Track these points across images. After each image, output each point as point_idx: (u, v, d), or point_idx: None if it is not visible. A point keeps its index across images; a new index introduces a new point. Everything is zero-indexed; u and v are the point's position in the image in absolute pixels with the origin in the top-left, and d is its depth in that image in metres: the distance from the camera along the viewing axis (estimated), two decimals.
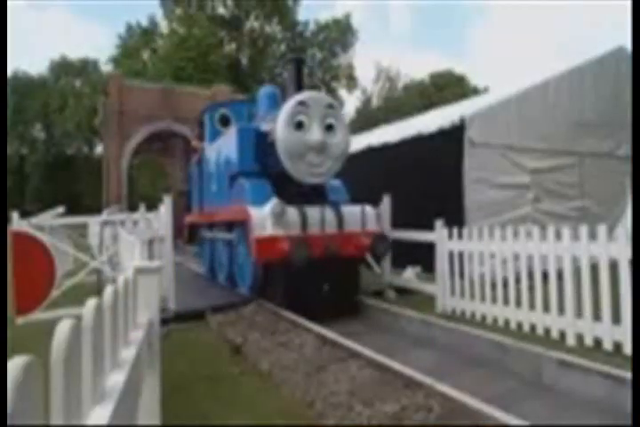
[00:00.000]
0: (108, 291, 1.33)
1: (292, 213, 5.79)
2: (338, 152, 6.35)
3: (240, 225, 6.38)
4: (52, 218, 6.77)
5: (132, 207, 12.47)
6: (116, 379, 1.28)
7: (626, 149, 9.37)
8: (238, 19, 38.45)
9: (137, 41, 40.98)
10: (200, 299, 6.72)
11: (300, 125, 6.08)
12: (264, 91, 7.99)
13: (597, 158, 9.23)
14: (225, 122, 8.85)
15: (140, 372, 1.62)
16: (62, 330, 0.89)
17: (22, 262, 5.74)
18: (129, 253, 5.11)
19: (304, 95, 6.18)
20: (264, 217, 5.62)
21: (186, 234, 10.30)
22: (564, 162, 8.72)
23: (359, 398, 3.11)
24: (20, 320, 5.64)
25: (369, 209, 6.44)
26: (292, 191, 6.29)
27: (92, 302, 1.11)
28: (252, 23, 39.32)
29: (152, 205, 7.48)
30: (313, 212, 5.95)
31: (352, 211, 6.28)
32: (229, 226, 7.18)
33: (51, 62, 53.03)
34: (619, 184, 9.23)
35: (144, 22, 41.59)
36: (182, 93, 21.43)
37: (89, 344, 1.07)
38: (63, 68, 52.55)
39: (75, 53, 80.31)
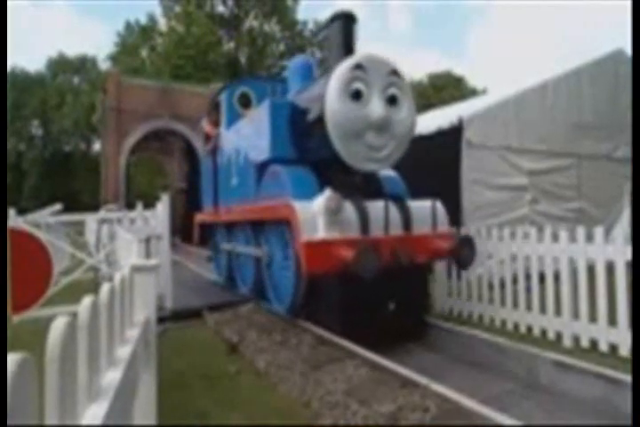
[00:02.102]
0: (105, 289, 1.33)
1: (349, 209, 4.56)
2: (403, 131, 5.02)
3: (276, 226, 5.27)
4: (49, 215, 6.75)
5: (130, 205, 12.44)
6: (111, 377, 1.28)
7: (624, 151, 9.39)
8: (237, 17, 38.39)
9: (136, 39, 40.88)
10: (197, 297, 6.72)
11: (356, 96, 4.76)
12: (296, 63, 6.58)
13: (595, 160, 9.24)
14: (246, 102, 7.49)
15: (136, 370, 1.62)
16: (57, 327, 0.89)
17: (19, 260, 5.72)
18: (126, 251, 5.09)
19: (361, 57, 4.87)
20: (314, 215, 4.33)
21: (196, 235, 8.97)
22: (561, 164, 8.73)
23: (356, 398, 3.11)
24: (16, 318, 5.62)
25: (439, 205, 5.19)
26: (341, 182, 4.98)
27: (87, 300, 1.10)
28: (251, 22, 39.25)
29: (149, 203, 7.46)
30: (374, 208, 4.65)
31: (421, 207, 5.03)
32: (255, 227, 6.05)
33: (49, 59, 52.95)
34: (616, 186, 9.24)
35: (143, 20, 41.54)
36: (180, 91, 21.37)
37: (84, 342, 1.06)
38: (61, 65, 52.46)
39: (73, 50, 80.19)
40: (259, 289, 6.15)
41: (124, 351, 1.47)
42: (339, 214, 4.36)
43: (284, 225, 4.93)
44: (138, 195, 28.99)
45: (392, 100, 4.95)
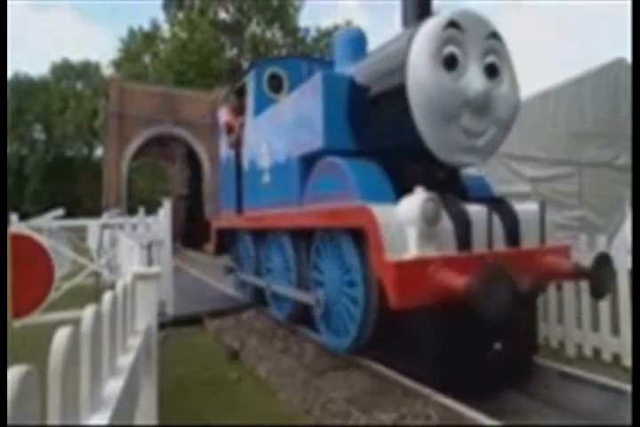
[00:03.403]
0: (107, 297, 1.32)
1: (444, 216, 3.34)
2: (505, 113, 3.78)
3: (335, 237, 3.95)
4: (51, 220, 6.76)
5: (132, 210, 12.46)
6: (113, 386, 1.27)
7: (625, 159, 9.39)
8: (240, 24, 38.58)
9: (139, 45, 41.09)
10: (198, 303, 6.70)
11: (450, 63, 3.52)
12: (344, 35, 5.29)
13: (596, 168, 9.24)
14: (276, 85, 6.17)
15: (137, 379, 1.61)
16: (60, 338, 0.88)
17: (20, 265, 5.72)
18: (128, 257, 5.09)
19: (455, 12, 3.62)
20: (401, 223, 3.12)
21: (213, 243, 7.51)
22: (563, 171, 8.73)
23: (357, 406, 3.09)
24: (18, 323, 5.61)
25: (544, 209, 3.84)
26: (419, 180, 3.51)
27: (90, 309, 1.10)
28: (254, 28, 39.45)
29: (151, 209, 7.46)
30: (476, 213, 3.43)
31: (529, 213, 3.73)
32: (297, 237, 4.81)
33: (52, 64, 53.22)
34: (618, 194, 9.23)
35: (146, 26, 41.78)
36: (183, 97, 21.49)
37: (87, 352, 1.06)
38: (64, 70, 52.73)
39: (77, 56, 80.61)
40: (301, 315, 4.87)
41: (125, 360, 1.46)
42: (437, 224, 3.13)
43: (346, 236, 3.72)
44: (139, 200, 29.05)
45: (491, 71, 3.73)
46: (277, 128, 5.17)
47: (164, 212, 5.97)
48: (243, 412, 3.33)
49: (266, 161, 5.47)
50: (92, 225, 9.49)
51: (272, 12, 37.89)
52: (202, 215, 21.44)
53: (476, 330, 3.23)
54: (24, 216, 6.57)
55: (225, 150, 7.22)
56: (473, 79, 3.55)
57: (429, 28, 3.54)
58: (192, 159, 22.94)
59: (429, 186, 3.38)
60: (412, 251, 3.05)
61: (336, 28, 43.40)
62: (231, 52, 38.93)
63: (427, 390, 3.26)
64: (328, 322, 4.17)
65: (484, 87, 3.53)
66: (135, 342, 1.67)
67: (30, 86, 50.41)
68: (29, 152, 51.15)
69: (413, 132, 3.59)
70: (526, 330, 3.84)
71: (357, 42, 5.05)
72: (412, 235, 3.08)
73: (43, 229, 6.89)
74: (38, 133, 52.81)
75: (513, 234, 3.64)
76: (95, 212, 18.35)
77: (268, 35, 39.30)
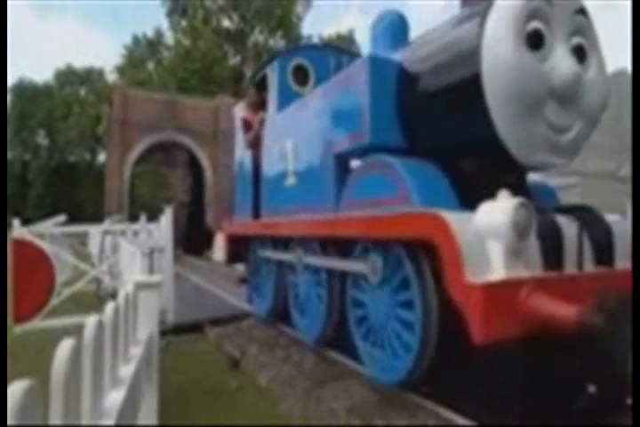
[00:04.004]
0: (109, 307, 1.32)
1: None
2: (594, 104, 3.18)
3: (391, 248, 3.23)
4: (53, 226, 6.77)
5: (134, 217, 12.47)
6: (114, 397, 1.27)
7: (627, 171, 9.40)
8: (243, 32, 38.81)
9: (142, 52, 41.36)
10: (199, 311, 6.69)
11: (534, 42, 2.91)
12: (383, 20, 4.45)
13: (599, 179, 9.25)
14: (302, 78, 5.58)
15: (139, 389, 1.60)
16: (63, 351, 0.88)
17: (22, 270, 5.71)
18: (129, 264, 5.09)
19: None
20: (481, 236, 2.52)
21: (225, 251, 6.83)
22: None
23: (358, 416, 3.08)
24: (19, 329, 5.60)
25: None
26: (486, 185, 3.08)
27: (92, 320, 1.09)
28: (257, 37, 39.67)
29: (153, 216, 7.46)
30: (567, 227, 2.91)
31: (621, 225, 3.16)
32: (328, 248, 4.19)
33: (56, 70, 53.55)
34: (620, 205, 9.23)
35: (150, 34, 42.07)
36: (185, 104, 21.58)
37: (89, 364, 1.05)
38: (68, 76, 53.04)
39: (81, 62, 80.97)
40: (335, 337, 4.28)
41: (127, 370, 1.46)
42: (528, 237, 2.55)
43: (401, 248, 3.09)
44: (141, 206, 29.09)
45: (579, 54, 3.08)
46: (307, 123, 4.50)
47: (166, 219, 5.98)
48: (243, 421, 3.31)
49: (291, 161, 4.83)
50: (94, 231, 9.50)
51: (275, 20, 38.12)
52: (203, 222, 21.47)
53: (568, 369, 2.59)
54: (26, 222, 6.58)
55: (241, 150, 6.46)
56: (561, 62, 2.92)
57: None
58: (194, 166, 23.00)
59: (494, 192, 2.76)
60: (498, 270, 2.45)
61: (339, 37, 43.66)
62: (234, 60, 39.15)
63: (428, 402, 3.23)
64: (373, 350, 3.50)
65: (573, 72, 2.90)
66: (137, 351, 1.66)
67: (34, 92, 50.69)
68: (32, 157, 51.34)
69: (486, 126, 3.00)
70: (619, 368, 2.71)
71: (398, 27, 4.40)
72: (496, 249, 2.48)
73: (44, 234, 6.89)
74: (42, 139, 53.06)
75: (605, 251, 3.02)
76: (97, 218, 18.38)
77: (272, 43, 39.51)
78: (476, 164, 3.41)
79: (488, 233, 2.49)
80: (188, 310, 6.53)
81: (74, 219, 9.53)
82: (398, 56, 3.81)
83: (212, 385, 4.02)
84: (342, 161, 4.01)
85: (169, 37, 40.07)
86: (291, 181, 4.82)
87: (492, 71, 2.91)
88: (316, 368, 4.11)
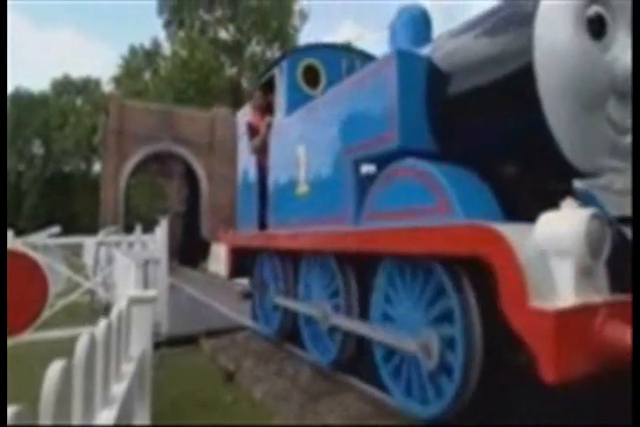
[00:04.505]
0: (101, 325, 1.30)
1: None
2: None
3: (426, 265, 2.88)
4: (47, 237, 6.73)
5: (129, 228, 12.43)
6: (106, 417, 1.24)
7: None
8: (240, 43, 39.05)
9: (139, 62, 41.53)
10: (194, 323, 6.64)
11: (596, 29, 2.58)
12: (404, 15, 4.10)
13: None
14: (312, 79, 5.22)
15: (130, 406, 1.58)
16: (53, 372, 0.86)
17: (14, 282, 5.66)
18: (124, 275, 5.05)
19: None
20: (545, 252, 2.15)
21: (228, 264, 6.29)
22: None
23: None
24: (10, 341, 5.53)
25: None
26: (523, 194, 2.91)
27: (84, 339, 1.08)
28: (254, 48, 39.91)
29: (148, 226, 7.43)
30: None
31: None
32: (346, 264, 3.87)
33: (53, 80, 53.62)
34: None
35: (147, 44, 42.28)
36: (182, 115, 21.65)
37: (80, 384, 1.03)
38: (65, 85, 53.12)
39: (77, 72, 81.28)
40: (354, 360, 3.91)
41: (119, 389, 1.44)
42: (602, 255, 2.15)
43: (439, 265, 2.73)
44: (137, 217, 29.02)
45: None
46: (321, 126, 4.12)
47: (161, 230, 5.96)
48: None
49: (303, 168, 4.41)
50: (89, 243, 9.46)
51: (272, 32, 38.41)
52: (199, 233, 21.42)
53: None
54: (20, 233, 6.55)
55: (245, 157, 6.02)
56: (623, 53, 2.56)
57: None
58: (190, 177, 23.01)
59: (540, 201, 2.50)
60: (567, 293, 2.06)
61: None
62: (231, 71, 39.34)
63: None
64: (399, 380, 3.09)
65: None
66: (129, 368, 1.64)
67: (30, 101, 50.71)
68: (27, 167, 51.19)
69: (536, 124, 2.58)
70: None
71: (419, 22, 4.08)
72: (564, 268, 2.08)
73: (38, 246, 6.85)
74: (37, 148, 52.95)
75: None
76: (93, 228, 18.30)
77: (268, 54, 39.76)
78: (520, 169, 3.03)
79: (553, 249, 2.10)
80: (182, 321, 6.49)
81: (69, 229, 9.50)
82: (425, 52, 3.46)
83: (205, 398, 3.98)
84: (357, 165, 3.68)
85: (166, 48, 40.28)
86: (302, 189, 4.41)
87: (547, 60, 2.50)
88: (311, 382, 4.08)
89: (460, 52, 3.16)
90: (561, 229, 2.06)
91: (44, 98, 52.28)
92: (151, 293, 2.01)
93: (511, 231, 2.17)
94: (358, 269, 3.79)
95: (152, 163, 22.94)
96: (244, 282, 6.59)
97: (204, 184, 21.73)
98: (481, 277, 2.37)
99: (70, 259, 10.32)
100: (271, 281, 5.35)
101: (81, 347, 1.09)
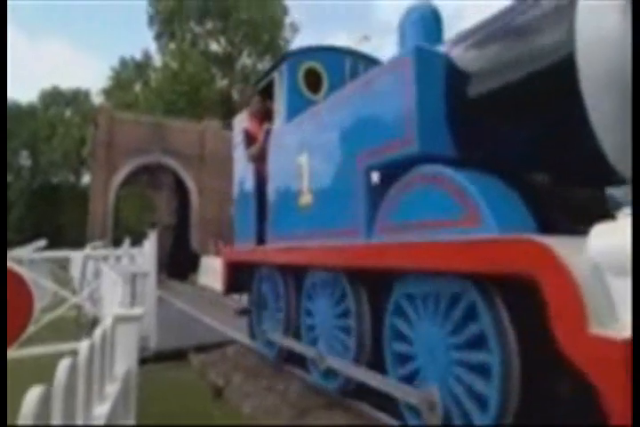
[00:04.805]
0: (84, 346, 1.27)
1: None
2: None
3: (455, 284, 2.57)
4: (33, 251, 6.64)
5: (117, 241, 12.31)
6: None
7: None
8: (231, 56, 39.27)
9: (130, 73, 41.57)
10: (183, 337, 6.55)
11: None
12: (413, 14, 3.80)
13: None
14: (313, 83, 4.93)
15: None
16: (31, 397, 0.83)
17: None
18: (111, 290, 4.98)
19: None
20: (604, 269, 1.81)
21: (224, 280, 5.96)
22: None
23: None
24: None
25: None
26: (551, 204, 2.67)
27: (65, 363, 1.04)
28: (245, 60, 40.15)
29: (137, 239, 7.36)
30: None
31: None
32: (358, 282, 3.55)
33: (41, 91, 53.44)
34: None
35: (138, 56, 42.39)
36: (172, 127, 21.63)
37: (59, 407, 1.00)
38: (54, 97, 52.95)
39: (67, 83, 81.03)
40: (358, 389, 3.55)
41: (102, 410, 1.39)
42: None
43: (471, 284, 2.43)
44: (126, 229, 28.79)
45: None
46: (328, 131, 3.82)
47: (150, 243, 5.90)
48: None
49: (306, 176, 4.11)
50: (75, 257, 9.35)
51: (263, 45, 38.68)
52: (189, 245, 21.28)
53: None
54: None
55: (242, 167, 5.66)
56: None
57: None
58: (180, 189, 22.93)
59: (569, 211, 2.40)
60: (629, 318, 1.71)
61: None
62: (222, 83, 39.49)
63: None
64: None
65: None
66: (113, 388, 1.60)
67: (18, 112, 50.47)
68: (14, 179, 50.78)
69: (578, 123, 2.27)
70: None
71: (429, 21, 3.78)
72: (624, 289, 1.75)
73: (24, 260, 6.75)
74: (24, 160, 52.59)
75: None
76: (80, 240, 18.13)
77: (259, 66, 40.00)
78: (553, 175, 2.73)
79: (609, 265, 1.79)
80: (171, 335, 6.40)
81: (56, 241, 9.38)
82: (442, 49, 3.20)
83: (194, 414, 3.92)
84: (374, 174, 3.36)
85: (157, 60, 40.41)
86: (305, 200, 4.09)
87: (590, 49, 2.18)
88: (301, 397, 4.03)
89: (484, 47, 2.88)
90: (619, 242, 1.73)
91: (32, 109, 52.06)
92: (137, 311, 1.97)
93: (560, 245, 1.88)
94: (372, 288, 3.47)
95: (142, 175, 22.86)
96: (237, 296, 6.45)
97: (193, 196, 21.66)
98: (512, 294, 2.20)
99: (57, 272, 10.18)
100: (271, 298, 5.04)
101: (61, 370, 1.06)
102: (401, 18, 3.87)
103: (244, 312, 5.80)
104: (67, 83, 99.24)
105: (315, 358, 3.93)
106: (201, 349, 5.77)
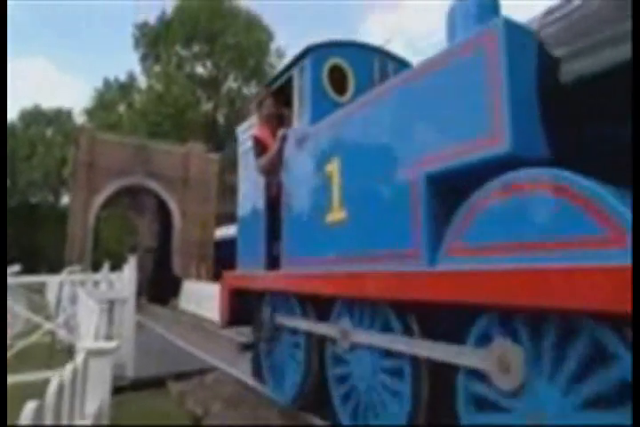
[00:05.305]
0: (52, 388, 1.20)
1: None
2: None
3: (589, 326, 1.78)
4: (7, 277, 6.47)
5: (97, 262, 12.09)
6: None
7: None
8: (216, 79, 39.58)
9: (114, 94, 41.57)
10: (162, 364, 6.39)
11: None
12: (466, 4, 2.96)
13: None
14: (338, 81, 4.21)
15: None
16: None
17: None
18: (87, 317, 4.84)
19: None
20: None
21: (224, 310, 5.10)
22: None
23: None
24: None
25: None
26: None
27: (31, 406, 0.98)
28: (231, 84, 40.47)
29: (117, 261, 7.23)
30: None
31: None
32: (409, 317, 2.79)
33: (22, 110, 53.02)
34: None
35: (122, 77, 42.49)
36: (155, 149, 21.54)
37: None
38: (35, 116, 52.56)
39: (49, 103, 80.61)
40: None
41: None
42: None
43: (607, 329, 1.73)
44: (106, 251, 28.39)
45: None
46: (370, 133, 3.14)
47: (129, 268, 5.79)
48: None
49: (336, 188, 3.39)
50: (52, 282, 9.15)
51: (249, 69, 39.09)
52: (170, 269, 20.97)
53: None
54: None
55: (249, 180, 4.95)
56: None
57: None
58: (162, 212, 22.72)
59: None
60: None
61: None
62: (207, 106, 39.69)
63: None
64: None
65: None
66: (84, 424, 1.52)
67: None
68: None
69: None
70: None
71: (486, 8, 2.91)
72: None
73: None
74: None
75: None
76: (57, 263, 17.77)
77: (245, 91, 40.34)
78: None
79: None
80: (150, 362, 6.25)
81: (33, 263, 9.19)
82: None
83: None
84: (440, 185, 2.60)
85: (141, 82, 40.55)
86: (336, 216, 3.37)
87: None
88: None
89: (583, 22, 2.33)
90: None
91: (11, 127, 51.57)
92: (111, 344, 1.90)
93: None
94: (429, 334, 2.68)
95: (123, 197, 22.64)
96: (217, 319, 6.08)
97: (176, 219, 21.45)
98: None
99: (32, 297, 9.93)
100: (287, 331, 4.28)
101: (27, 412, 1.00)
102: (449, 8, 3.14)
103: (247, 347, 5.14)
104: (49, 102, 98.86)
105: (337, 334, 3.34)
106: (180, 376, 5.62)
